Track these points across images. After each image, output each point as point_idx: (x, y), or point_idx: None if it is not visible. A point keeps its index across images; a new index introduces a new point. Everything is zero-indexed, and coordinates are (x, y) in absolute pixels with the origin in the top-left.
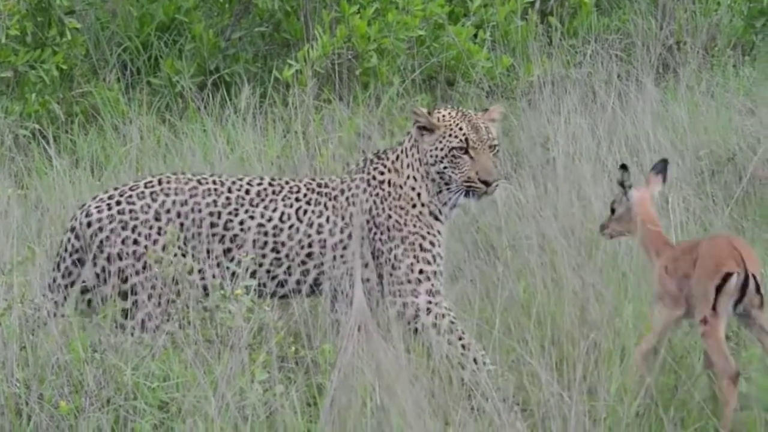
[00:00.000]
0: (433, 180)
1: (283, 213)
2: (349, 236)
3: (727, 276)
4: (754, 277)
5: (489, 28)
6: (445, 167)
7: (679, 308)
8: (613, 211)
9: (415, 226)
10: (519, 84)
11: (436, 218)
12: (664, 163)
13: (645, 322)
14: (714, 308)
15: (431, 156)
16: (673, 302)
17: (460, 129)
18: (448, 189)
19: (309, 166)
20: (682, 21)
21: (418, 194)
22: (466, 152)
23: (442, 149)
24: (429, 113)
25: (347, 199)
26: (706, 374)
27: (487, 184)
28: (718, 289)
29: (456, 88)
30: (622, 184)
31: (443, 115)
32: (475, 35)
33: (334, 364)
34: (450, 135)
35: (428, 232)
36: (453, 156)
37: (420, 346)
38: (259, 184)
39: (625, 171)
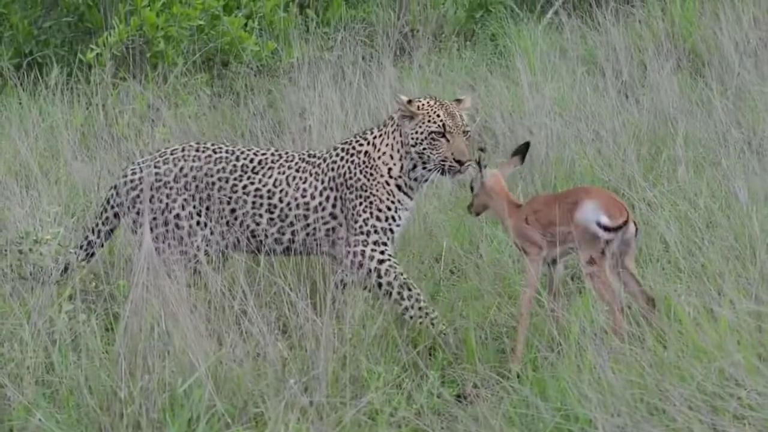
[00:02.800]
0: (411, 158)
1: (276, 180)
2: (327, 198)
3: (619, 225)
4: (635, 225)
5: (257, 18)
6: (424, 148)
7: (543, 252)
8: (471, 189)
9: (378, 191)
10: (281, 64)
11: (402, 191)
12: (526, 145)
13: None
14: (602, 252)
15: (412, 138)
16: (537, 249)
17: (438, 116)
18: (425, 167)
19: (108, 133)
20: (415, 12)
21: (389, 168)
22: (443, 136)
23: (422, 133)
24: (409, 102)
25: (328, 165)
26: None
27: (460, 163)
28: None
29: (230, 69)
30: (479, 164)
31: (423, 104)
32: (246, 24)
33: (127, 297)
34: (429, 120)
35: (389, 199)
36: (432, 139)
37: (200, 281)
38: (263, 154)
39: (483, 153)
